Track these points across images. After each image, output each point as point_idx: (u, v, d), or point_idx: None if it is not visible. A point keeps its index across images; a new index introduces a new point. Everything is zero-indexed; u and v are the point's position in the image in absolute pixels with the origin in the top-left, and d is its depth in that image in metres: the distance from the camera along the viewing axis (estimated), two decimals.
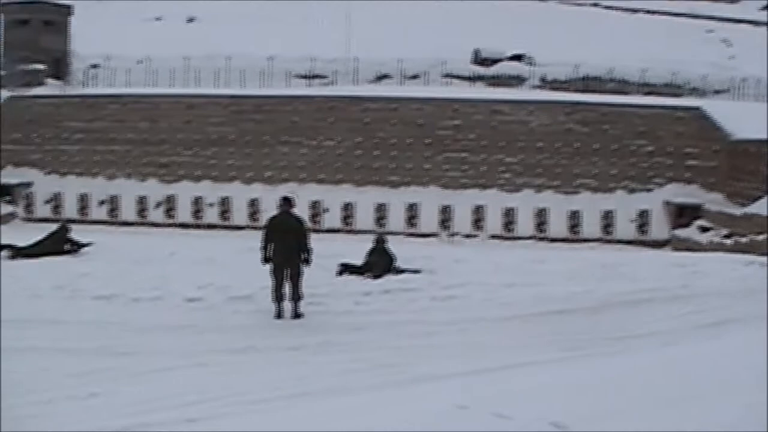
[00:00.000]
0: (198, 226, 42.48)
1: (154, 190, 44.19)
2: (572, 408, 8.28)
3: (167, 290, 19.39)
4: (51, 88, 52.49)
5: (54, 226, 26.11)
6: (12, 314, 17.86)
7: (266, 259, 17.94)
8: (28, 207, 44.76)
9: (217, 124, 44.97)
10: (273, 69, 57.48)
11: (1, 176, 45.54)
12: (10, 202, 44.83)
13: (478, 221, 40.64)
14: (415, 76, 60.71)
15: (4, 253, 23.22)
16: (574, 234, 39.86)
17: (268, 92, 48.68)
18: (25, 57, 55.12)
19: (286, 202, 18.45)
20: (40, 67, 54.90)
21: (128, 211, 43.63)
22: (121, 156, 45.77)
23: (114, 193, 44.16)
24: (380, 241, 22.42)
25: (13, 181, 45.47)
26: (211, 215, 42.97)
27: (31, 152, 46.80)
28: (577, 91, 53.97)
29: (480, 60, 64.36)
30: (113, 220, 43.33)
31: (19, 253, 23.02)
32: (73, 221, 36.47)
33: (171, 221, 43.09)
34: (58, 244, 23.47)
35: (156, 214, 43.59)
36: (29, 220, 43.64)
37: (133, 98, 47.31)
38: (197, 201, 43.20)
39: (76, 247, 24.44)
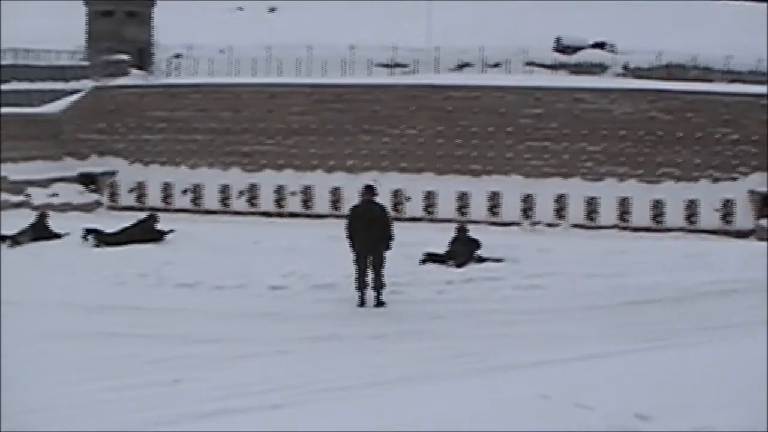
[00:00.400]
0: (280, 215, 42.74)
1: (237, 178, 44.54)
2: (657, 399, 8.22)
3: (250, 278, 19.57)
4: (134, 78, 53.17)
5: (140, 215, 26.47)
6: (96, 301, 18.20)
7: (351, 247, 18.00)
8: (113, 196, 45.40)
9: (299, 114, 45.17)
10: (354, 58, 57.61)
11: (86, 165, 46.23)
12: (94, 191, 45.50)
13: (560, 210, 40.39)
14: (496, 65, 60.47)
15: (90, 241, 23.55)
16: (657, 223, 39.42)
17: (349, 81, 48.75)
18: (109, 48, 55.92)
19: (369, 190, 18.48)
20: (124, 57, 55.64)
21: (211, 200, 44.04)
22: (204, 145, 46.20)
23: (197, 182, 44.61)
24: (462, 230, 22.40)
25: (98, 170, 46.12)
26: (294, 204, 43.21)
27: (115, 141, 47.42)
28: (660, 78, 53.26)
29: (562, 48, 63.89)
30: (196, 208, 43.77)
31: (104, 240, 23.33)
32: (157, 210, 36.91)
33: (253, 210, 43.41)
34: (146, 233, 23.76)
35: (239, 203, 43.95)
36: (113, 208, 44.25)
37: (216, 88, 47.71)
38: (279, 190, 43.47)
39: (160, 235, 24.77)
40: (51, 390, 11.97)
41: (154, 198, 44.26)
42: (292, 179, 43.86)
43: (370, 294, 17.78)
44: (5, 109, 45.76)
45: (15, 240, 23.40)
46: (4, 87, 52.60)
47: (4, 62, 54.77)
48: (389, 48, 60.43)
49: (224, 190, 44.03)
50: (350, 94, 44.94)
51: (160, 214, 26.99)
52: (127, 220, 25.55)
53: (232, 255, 21.78)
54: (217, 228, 29.02)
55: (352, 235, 17.91)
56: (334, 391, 11.57)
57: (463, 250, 21.26)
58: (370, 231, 17.73)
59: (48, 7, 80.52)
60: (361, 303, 17.74)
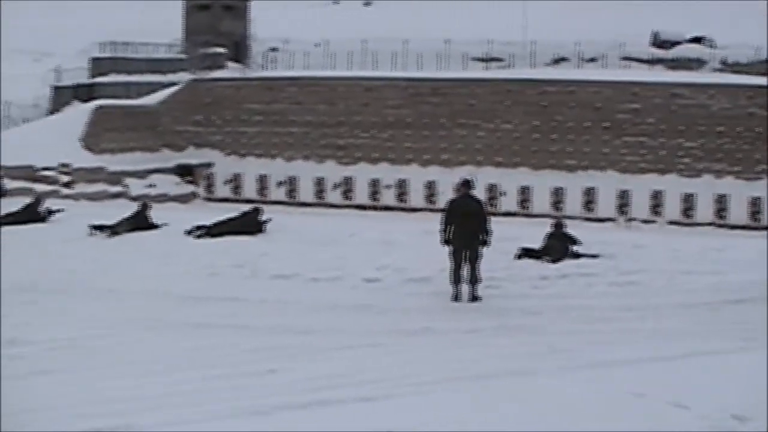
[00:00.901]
0: (375, 208, 42.86)
1: (332, 171, 44.76)
2: (754, 400, 8.11)
3: (345, 271, 19.68)
4: (231, 71, 53.84)
5: (237, 207, 26.72)
6: (192, 291, 18.47)
7: (446, 242, 18.02)
8: (209, 187, 45.93)
9: (395, 107, 45.24)
10: (450, 52, 57.55)
11: (183, 157, 46.85)
12: (191, 182, 46.07)
13: (656, 207, 39.91)
14: (592, 59, 59.96)
15: (193, 234, 23.80)
16: (755, 221, 38.74)
17: (445, 75, 48.72)
18: (206, 41, 56.68)
19: (466, 184, 18.47)
20: (221, 50, 56.35)
21: (306, 192, 44.32)
22: (300, 138, 46.52)
23: (292, 174, 44.92)
24: (559, 226, 22.27)
25: (194, 161, 46.67)
26: (388, 197, 43.29)
27: (211, 134, 47.96)
28: (759, 74, 52.31)
29: (659, 43, 63.13)
30: (291, 200, 44.08)
31: (207, 231, 23.59)
32: (252, 201, 37.32)
33: (348, 203, 43.59)
34: (249, 225, 23.98)
35: (333, 196, 44.17)
36: (210, 200, 44.77)
37: (312, 81, 48.01)
38: (374, 183, 43.58)
39: (262, 226, 25.03)
40: (146, 378, 12.19)
41: (249, 190, 44.67)
42: (387, 172, 43.93)
43: (464, 288, 17.78)
44: (104, 101, 46.64)
45: (114, 230, 23.84)
46: (103, 79, 53.64)
47: (103, 55, 55.84)
48: (484, 42, 60.25)
49: (319, 182, 44.28)
50: (446, 88, 44.88)
51: (253, 206, 27.18)
52: (224, 211, 25.82)
53: (327, 247, 21.91)
54: (311, 220, 29.18)
55: (447, 228, 17.92)
56: (428, 384, 11.61)
57: (558, 246, 21.14)
58: (466, 225, 17.73)
59: (146, 3, 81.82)
60: (456, 297, 17.75)
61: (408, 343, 14.46)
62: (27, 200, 27.58)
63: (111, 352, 13.69)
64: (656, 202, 39.89)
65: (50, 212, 26.16)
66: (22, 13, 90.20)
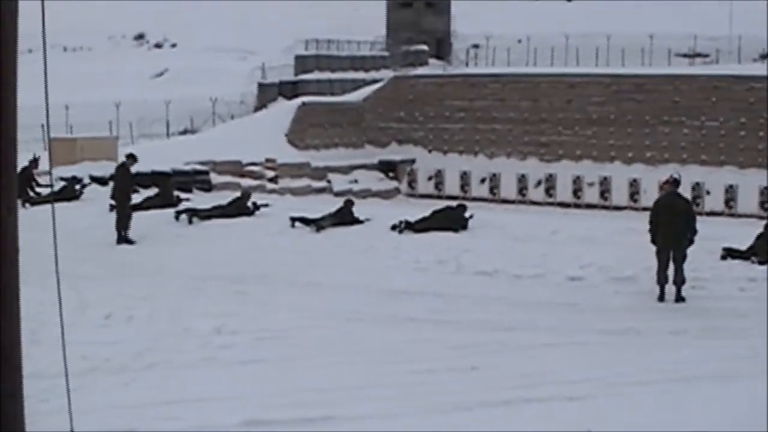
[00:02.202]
0: (577, 206, 42.47)
1: (534, 168, 44.56)
2: None
3: (548, 268, 19.58)
4: (433, 67, 54.10)
5: (441, 204, 26.86)
6: (395, 285, 18.70)
7: (653, 241, 17.71)
8: (411, 183, 46.32)
9: (598, 104, 44.72)
10: (653, 47, 56.43)
11: (386, 153, 47.40)
12: (393, 178, 46.56)
13: None
14: None
15: (397, 229, 24.05)
16: None
17: (648, 71, 47.85)
18: (408, 38, 57.13)
19: (674, 183, 18.09)
20: (423, 47, 56.69)
21: (508, 189, 44.20)
22: (502, 135, 46.48)
23: (494, 171, 44.89)
24: None
25: (397, 157, 47.17)
26: (591, 195, 42.81)
27: (414, 130, 48.40)
28: None
29: None
30: (493, 197, 44.06)
31: (410, 226, 23.79)
32: (454, 197, 37.50)
33: (550, 200, 43.32)
34: (453, 221, 24.10)
35: (535, 193, 43.96)
36: (412, 195, 45.17)
37: (514, 77, 47.89)
38: (577, 180, 43.16)
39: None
40: (348, 370, 12.39)
41: (451, 186, 44.81)
42: (590, 170, 43.47)
43: (670, 289, 17.45)
44: (309, 98, 47.58)
45: (319, 224, 24.30)
46: (308, 76, 54.66)
47: (307, 53, 56.96)
48: (689, 37, 58.88)
49: (521, 179, 44.10)
50: (650, 85, 44.10)
51: (459, 202, 27.27)
52: (426, 207, 25.98)
53: (530, 244, 21.84)
54: (513, 217, 29.14)
55: (655, 228, 17.60)
56: (632, 385, 11.48)
57: (767, 247, 20.44)
58: (673, 224, 17.38)
59: (349, 1, 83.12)
60: (661, 297, 17.44)
61: (612, 342, 14.31)
62: (234, 194, 28.38)
63: (315, 344, 13.99)
64: None
65: (257, 206, 26.86)
66: (228, 11, 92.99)
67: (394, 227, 23.89)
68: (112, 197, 24.70)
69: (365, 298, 17.68)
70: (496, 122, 46.49)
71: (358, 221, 25.03)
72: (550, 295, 17.91)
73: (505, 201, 43.52)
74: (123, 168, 24.54)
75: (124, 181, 24.18)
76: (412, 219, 23.99)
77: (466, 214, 24.40)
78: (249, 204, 27.00)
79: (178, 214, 26.08)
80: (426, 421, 10.17)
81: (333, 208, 25.23)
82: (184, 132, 50.21)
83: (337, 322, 15.51)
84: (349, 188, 42.55)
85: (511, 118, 46.22)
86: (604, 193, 42.59)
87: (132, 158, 24.70)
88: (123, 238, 23.57)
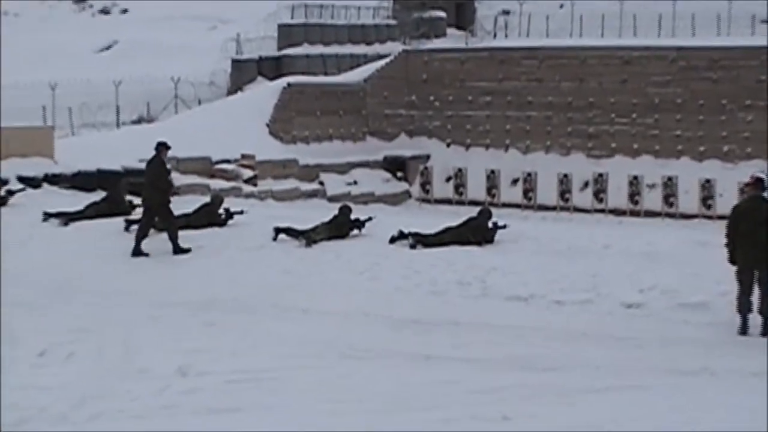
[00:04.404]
0: (635, 213, 42.52)
1: (580, 166, 44.61)
2: None
3: (599, 292, 19.57)
4: (453, 39, 54.21)
5: (463, 212, 26.90)
6: (406, 313, 18.68)
7: (731, 259, 17.65)
8: (425, 185, 46.39)
9: (660, 85, 44.77)
10: (732, 13, 56.38)
11: (393, 147, 47.42)
12: (403, 179, 46.61)
13: None
14: None
15: (411, 241, 24.04)
16: None
17: (725, 43, 47.85)
18: (421, 3, 57.20)
19: (757, 184, 17.99)
20: (440, 14, 56.75)
21: (547, 193, 44.27)
22: (539, 124, 46.55)
23: (530, 170, 44.96)
24: None
25: (407, 153, 47.24)
26: (652, 200, 42.84)
27: (428, 118, 48.50)
28: None
29: None
30: (528, 203, 44.15)
31: (422, 240, 23.79)
32: (479, 203, 37.48)
33: (600, 206, 43.37)
34: (477, 232, 24.09)
35: (581, 197, 44.02)
36: (426, 201, 45.23)
37: (554, 52, 47.96)
38: (634, 181, 43.20)
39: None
40: (351, 421, 12.35)
41: (475, 188, 44.93)
42: (651, 168, 43.52)
43: (754, 319, 17.41)
44: (296, 78, 47.63)
45: (309, 237, 24.29)
46: (295, 51, 54.74)
47: (294, 21, 57.01)
48: None
49: (564, 180, 44.20)
50: (727, 60, 44.15)
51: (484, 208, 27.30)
52: (444, 215, 26.04)
53: (575, 261, 21.81)
54: (554, 227, 29.15)
55: (734, 241, 17.54)
56: None
57: None
58: (757, 237, 17.31)
59: None
60: (743, 330, 17.40)
61: (680, 386, 14.27)
62: (202, 200, 28.39)
63: (303, 388, 13.93)
64: None
65: (230, 214, 26.89)
66: None
67: (393, 239, 23.94)
68: (144, 200, 24.97)
69: (367, 330, 17.66)
70: (532, 108, 46.58)
71: (357, 227, 25.07)
72: (601, 325, 17.90)
73: (542, 207, 43.61)
74: (157, 160, 24.92)
75: (160, 177, 24.70)
76: (424, 230, 24.00)
77: (498, 223, 24.38)
78: (221, 211, 27.03)
79: (129, 223, 26.16)
80: None
81: (327, 217, 25.25)
82: (139, 121, 50.36)
83: (331, 360, 15.47)
84: (346, 192, 42.62)
85: (551, 103, 46.33)
86: (669, 197, 42.64)
87: (165, 147, 25.03)
88: (177, 246, 24.27)
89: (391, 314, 18.61)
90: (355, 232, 25.20)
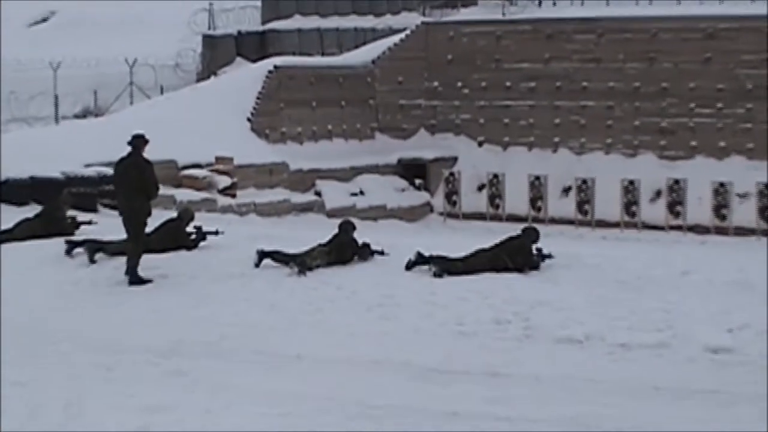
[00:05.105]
0: (721, 231, 42.49)
1: (650, 170, 44.65)
2: None
3: (675, 332, 19.54)
4: (486, 9, 54.10)
5: (499, 229, 26.92)
6: (429, 360, 18.67)
7: None
8: (451, 196, 46.40)
9: (754, 65, 44.74)
10: None
11: (409, 147, 47.45)
12: (422, 188, 46.63)
13: None
14: None
15: (434, 268, 24.06)
16: None
17: None
18: None
19: None
20: None
21: (608, 204, 44.26)
22: (596, 116, 46.58)
23: (584, 176, 44.97)
24: None
25: (428, 155, 47.28)
26: (744, 213, 42.79)
27: (454, 110, 48.56)
28: None
29: None
30: (584, 218, 44.13)
31: (446, 267, 23.80)
32: (520, 219, 37.49)
33: (677, 222, 43.38)
34: (516, 255, 24.13)
35: (652, 210, 44.03)
36: (452, 215, 45.22)
37: (617, 24, 47.95)
38: (720, 189, 43.17)
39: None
40: None
41: (515, 199, 44.90)
42: (742, 173, 43.51)
43: None
44: (285, 59, 47.69)
45: (303, 262, 24.28)
46: (283, 24, 54.82)
47: None
48: None
49: (629, 188, 44.23)
50: None
51: (527, 226, 27.32)
52: (478, 234, 26.00)
53: (645, 293, 21.81)
54: (617, 248, 29.10)
55: None
56: None
57: None
58: None
59: None
60: None
61: None
62: (166, 215, 28.43)
63: None
64: None
65: (202, 234, 26.93)
66: None
67: (410, 265, 23.96)
68: (124, 212, 25.12)
69: (379, 382, 17.66)
70: (587, 96, 46.64)
71: (363, 254, 25.08)
72: (679, 376, 17.86)
73: (602, 224, 43.60)
74: (136, 158, 25.06)
75: (146, 178, 24.84)
76: (450, 253, 24.03)
77: (537, 250, 24.39)
78: (190, 230, 27.06)
79: (72, 246, 26.14)
80: None
81: (325, 237, 25.27)
82: (84, 115, 50.46)
83: (334, 420, 15.49)
84: (350, 204, 42.66)
85: (612, 90, 46.37)
86: (766, 210, 42.58)
87: (143, 140, 25.20)
88: (136, 276, 24.28)
89: (408, 362, 18.60)
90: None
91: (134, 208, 24.59)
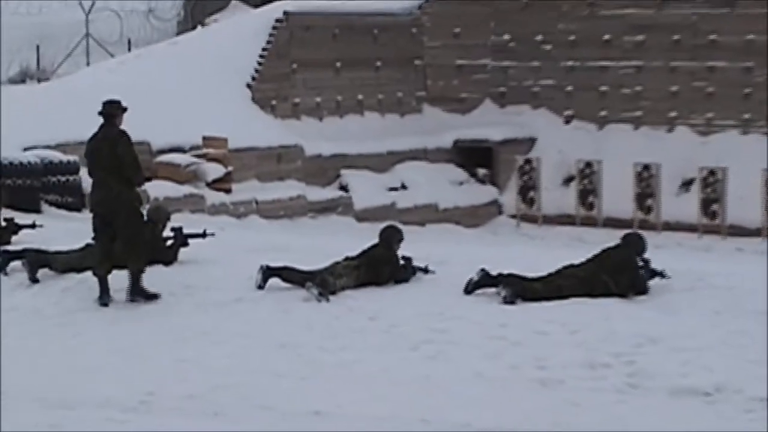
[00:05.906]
0: None
1: None
2: None
3: None
4: None
5: (596, 239, 26.97)
6: (499, 418, 18.65)
7: None
8: (527, 192, 46.46)
9: None
10: None
11: (468, 125, 47.54)
12: (487, 180, 46.74)
13: None
14: None
15: (505, 294, 24.09)
16: None
17: None
18: None
19: None
20: None
21: (743, 204, 44.26)
22: (730, 82, 46.65)
23: (714, 165, 45.01)
24: None
25: (495, 135, 47.34)
26: None
27: (532, 73, 48.68)
28: None
29: None
30: (711, 222, 44.21)
31: (520, 291, 23.83)
32: (623, 223, 37.47)
33: None
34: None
35: None
36: (527, 218, 45.33)
37: None
38: None
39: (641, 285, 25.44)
40: None
41: (615, 196, 44.87)
42: None
43: None
44: (298, 4, 47.76)
45: (325, 282, 24.25)
46: None
47: None
48: None
49: None
50: None
51: (631, 232, 27.31)
52: (560, 244, 26.01)
53: None
54: (757, 264, 29.11)
55: None
56: None
57: None
58: None
59: None
60: None
61: None
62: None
63: None
64: None
65: (184, 240, 26.97)
66: None
67: (471, 287, 23.93)
68: (97, 205, 25.26)
69: None
70: (717, 55, 46.59)
71: (400, 273, 25.11)
72: None
73: (736, 231, 43.57)
74: (111, 131, 25.32)
75: (125, 158, 25.13)
76: (526, 271, 24.06)
77: (644, 262, 24.37)
78: (166, 236, 27.11)
79: (6, 259, 26.20)
80: None
81: (354, 248, 25.30)
82: (22, 78, 50.68)
83: None
84: (389, 202, 42.77)
85: (752, 45, 46.30)
86: None
87: (119, 107, 25.59)
88: (139, 289, 24.72)
89: (468, 422, 18.57)
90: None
91: (120, 199, 24.56)
